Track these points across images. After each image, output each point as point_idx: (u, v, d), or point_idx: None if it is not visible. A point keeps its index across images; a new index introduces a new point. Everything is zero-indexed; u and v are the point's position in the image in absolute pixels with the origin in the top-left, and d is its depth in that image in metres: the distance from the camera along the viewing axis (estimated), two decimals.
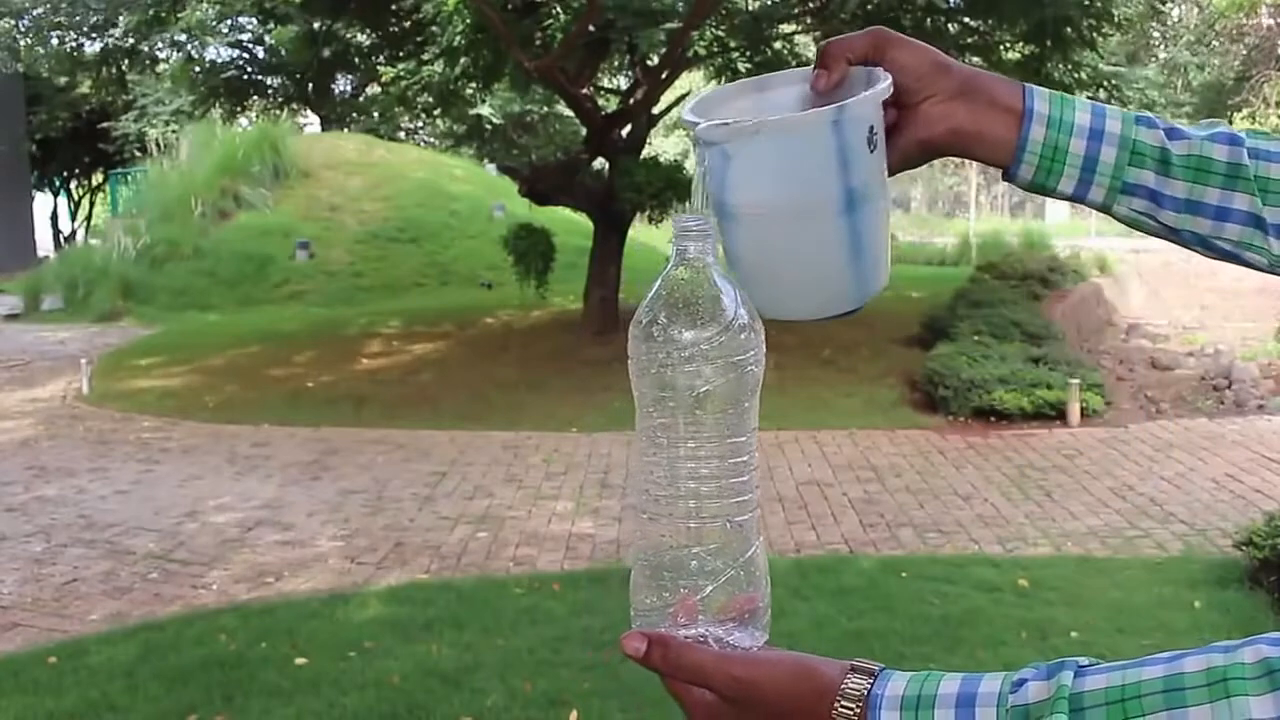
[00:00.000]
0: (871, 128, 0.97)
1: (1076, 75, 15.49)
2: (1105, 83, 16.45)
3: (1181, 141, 1.04)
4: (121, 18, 13.36)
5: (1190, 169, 1.04)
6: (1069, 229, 29.71)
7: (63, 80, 26.07)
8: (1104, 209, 1.06)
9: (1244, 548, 6.05)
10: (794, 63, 17.24)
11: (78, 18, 14.37)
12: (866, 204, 0.98)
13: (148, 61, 16.42)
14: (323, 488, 8.22)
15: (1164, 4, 18.14)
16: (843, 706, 0.85)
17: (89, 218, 34.55)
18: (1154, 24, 39.57)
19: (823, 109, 0.96)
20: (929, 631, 5.43)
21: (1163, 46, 40.23)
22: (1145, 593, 5.94)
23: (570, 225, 18.79)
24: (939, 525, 7.19)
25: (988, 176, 39.86)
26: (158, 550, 6.80)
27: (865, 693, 0.84)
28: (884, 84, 0.99)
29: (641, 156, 14.36)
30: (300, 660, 5.07)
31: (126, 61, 15.49)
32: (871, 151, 0.97)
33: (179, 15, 13.42)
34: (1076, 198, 1.06)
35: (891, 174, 1.04)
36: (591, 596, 5.89)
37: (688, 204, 0.97)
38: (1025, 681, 0.81)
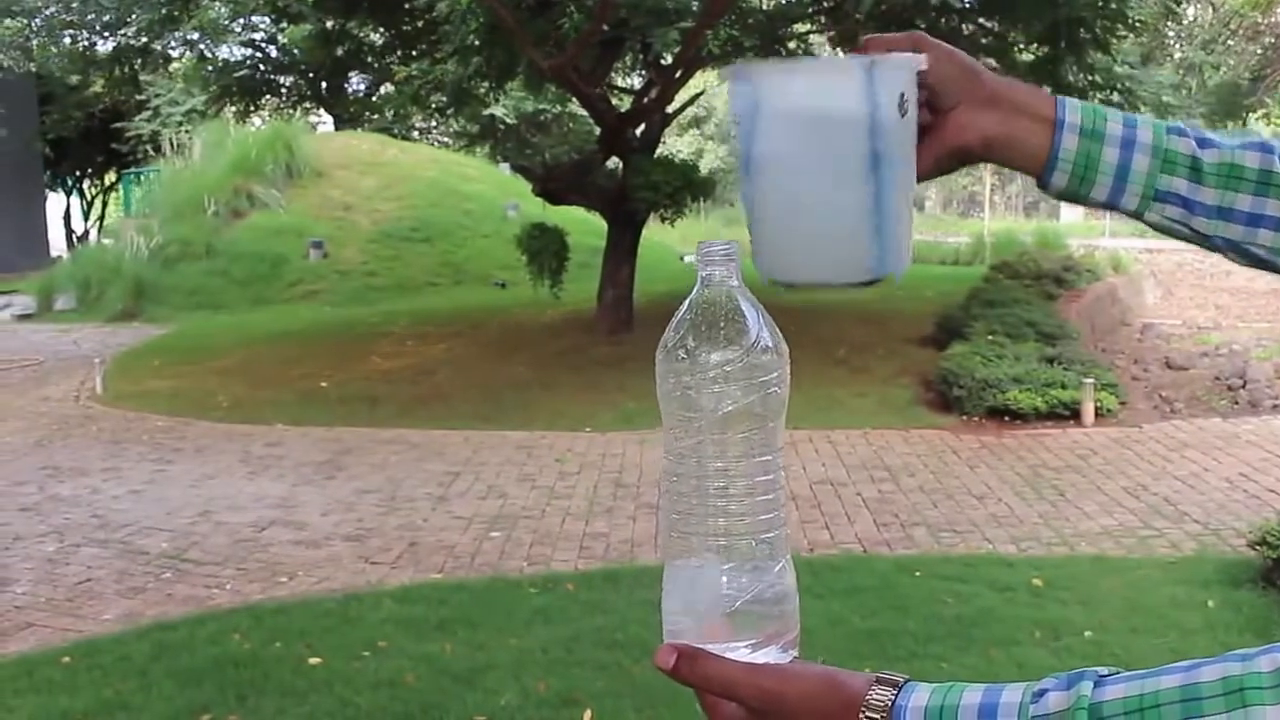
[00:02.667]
0: (903, 95, 0.99)
1: (1090, 78, 15.50)
2: (1119, 85, 16.43)
3: (1213, 149, 1.06)
4: (134, 16, 13.39)
5: (1222, 176, 1.05)
6: (1083, 229, 29.74)
7: (75, 80, 26.13)
8: (1136, 215, 1.07)
9: (1258, 547, 6.03)
10: None
11: (90, 16, 14.40)
12: (891, 169, 0.99)
13: (161, 60, 16.44)
14: (336, 487, 8.24)
15: (1179, 4, 18.12)
16: (867, 717, 0.86)
17: (102, 217, 34.67)
18: (1169, 24, 39.60)
19: (857, 55, 0.98)
20: (942, 631, 5.43)
21: (1178, 46, 40.19)
22: (1158, 592, 5.93)
23: (584, 225, 18.80)
24: (953, 525, 7.18)
25: (1002, 177, 39.81)
26: (171, 550, 6.83)
27: (890, 703, 0.85)
28: (920, 56, 1.02)
29: (655, 155, 14.39)
30: (314, 660, 5.09)
31: (140, 61, 15.49)
32: (902, 117, 0.99)
33: (191, 14, 13.45)
34: (1109, 205, 1.07)
35: (925, 178, 1.07)
36: (605, 596, 5.90)
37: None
38: (1046, 692, 0.81)
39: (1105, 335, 16.78)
